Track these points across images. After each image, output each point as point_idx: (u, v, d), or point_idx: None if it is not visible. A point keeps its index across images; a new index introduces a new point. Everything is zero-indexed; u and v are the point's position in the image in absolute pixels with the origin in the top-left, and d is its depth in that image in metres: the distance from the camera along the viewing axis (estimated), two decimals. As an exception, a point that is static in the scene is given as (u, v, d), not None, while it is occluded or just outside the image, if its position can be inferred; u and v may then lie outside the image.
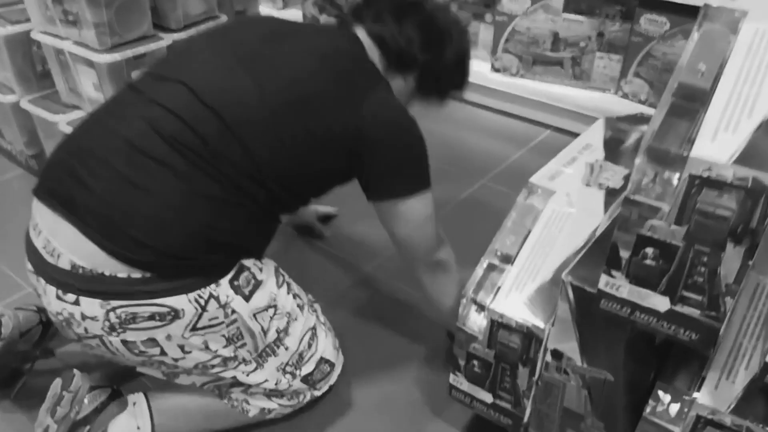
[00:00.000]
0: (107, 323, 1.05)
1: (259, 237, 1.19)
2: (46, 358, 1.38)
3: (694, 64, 0.81)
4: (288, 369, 1.23)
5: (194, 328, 1.08)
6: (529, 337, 1.05)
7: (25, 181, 2.07)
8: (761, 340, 0.92)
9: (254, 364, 1.18)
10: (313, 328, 1.27)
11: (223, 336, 1.12)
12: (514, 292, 1.08)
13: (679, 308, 0.84)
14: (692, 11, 0.95)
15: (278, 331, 1.19)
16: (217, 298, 1.08)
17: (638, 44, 2.27)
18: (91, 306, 1.04)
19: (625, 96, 2.39)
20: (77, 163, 1.08)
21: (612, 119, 1.46)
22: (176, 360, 1.12)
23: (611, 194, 1.19)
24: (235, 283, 1.10)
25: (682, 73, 0.81)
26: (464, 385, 1.17)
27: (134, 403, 1.21)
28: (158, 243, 1.03)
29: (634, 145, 1.35)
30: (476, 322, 1.10)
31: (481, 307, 1.09)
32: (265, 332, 1.16)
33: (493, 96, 2.57)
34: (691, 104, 0.78)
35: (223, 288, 1.09)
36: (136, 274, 1.03)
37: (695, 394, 0.91)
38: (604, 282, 0.88)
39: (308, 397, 1.29)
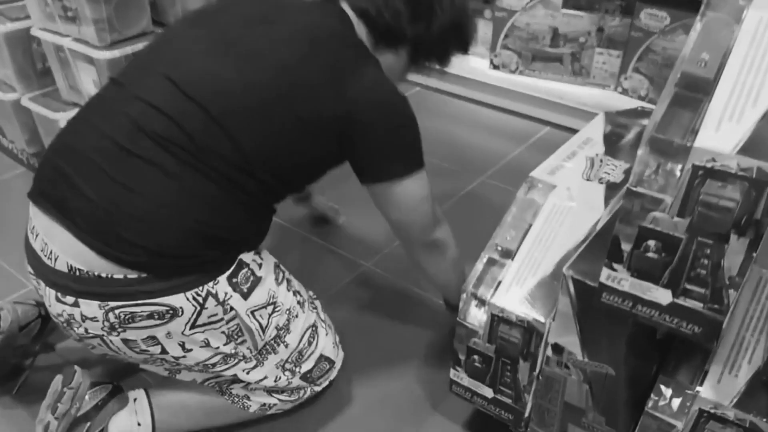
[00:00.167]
0: (107, 323, 1.04)
1: (255, 229, 1.18)
2: (46, 352, 1.38)
3: (697, 54, 0.80)
4: (287, 366, 1.22)
5: (194, 326, 1.07)
6: (530, 331, 1.04)
7: (26, 180, 2.04)
8: (764, 334, 0.92)
9: (254, 362, 1.18)
10: (314, 326, 1.26)
11: (223, 333, 1.11)
12: (515, 287, 1.08)
13: (681, 301, 0.83)
14: (693, 5, 0.94)
15: (278, 328, 1.18)
16: (215, 296, 1.07)
17: (638, 39, 2.26)
18: (90, 307, 1.04)
19: (624, 92, 2.38)
20: (67, 164, 1.07)
21: (612, 114, 1.45)
22: (177, 358, 1.11)
23: (612, 188, 1.19)
24: (234, 280, 1.10)
25: (685, 62, 0.80)
26: (465, 380, 1.17)
27: (135, 399, 1.21)
28: (152, 243, 1.02)
29: (634, 139, 1.35)
30: (477, 316, 1.10)
31: (482, 302, 1.09)
32: (263, 330, 1.15)
33: (492, 93, 2.57)
34: (694, 94, 0.77)
35: (221, 285, 1.08)
36: (133, 275, 1.02)
37: (698, 388, 0.90)
38: (605, 275, 0.87)
39: (308, 393, 1.28)
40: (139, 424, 1.18)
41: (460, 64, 2.58)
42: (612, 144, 1.32)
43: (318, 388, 1.30)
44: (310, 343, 1.24)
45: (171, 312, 1.04)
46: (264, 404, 1.24)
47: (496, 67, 2.56)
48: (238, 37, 1.11)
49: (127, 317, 1.04)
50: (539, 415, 1.13)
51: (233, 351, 1.14)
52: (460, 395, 1.20)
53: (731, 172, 0.73)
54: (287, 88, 1.08)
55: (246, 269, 1.12)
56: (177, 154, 1.03)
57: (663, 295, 0.84)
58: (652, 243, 0.81)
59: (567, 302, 0.97)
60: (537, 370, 1.08)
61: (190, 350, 1.11)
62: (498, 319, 1.07)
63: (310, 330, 1.24)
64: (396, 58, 1.23)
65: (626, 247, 0.83)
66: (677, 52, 2.12)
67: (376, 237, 1.81)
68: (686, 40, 0.83)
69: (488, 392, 1.15)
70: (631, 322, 0.92)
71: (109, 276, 1.02)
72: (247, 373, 1.18)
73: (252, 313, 1.12)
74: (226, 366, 1.15)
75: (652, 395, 0.94)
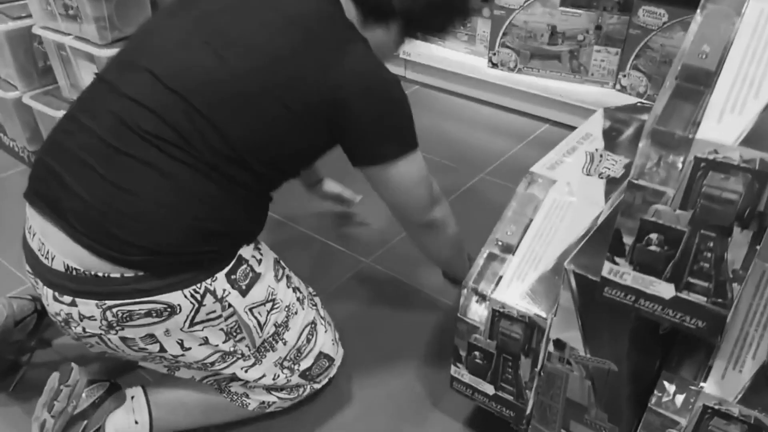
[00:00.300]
0: (105, 322, 1.04)
1: (253, 220, 1.16)
2: (43, 348, 1.37)
3: (698, 46, 0.80)
4: (286, 364, 1.21)
5: (192, 323, 1.07)
6: (531, 326, 1.04)
7: (27, 178, 2.05)
8: (768, 329, 0.91)
9: (252, 360, 1.17)
10: (313, 323, 1.25)
11: (222, 330, 1.10)
12: (516, 282, 1.07)
13: (684, 295, 0.82)
14: (690, 2, 0.93)
15: (276, 325, 1.17)
16: (213, 292, 1.06)
17: (636, 36, 2.26)
18: (88, 306, 1.03)
19: (623, 89, 2.38)
20: (58, 163, 1.06)
21: (611, 109, 1.45)
22: (176, 356, 1.11)
23: (612, 183, 1.18)
24: (232, 276, 1.09)
25: (686, 55, 0.79)
26: (466, 376, 1.16)
27: (132, 397, 1.20)
28: (147, 242, 1.01)
29: (634, 134, 1.34)
30: (477, 312, 1.09)
31: (482, 297, 1.08)
32: (261, 327, 1.15)
33: (491, 90, 2.57)
34: (695, 86, 0.77)
35: (219, 282, 1.07)
36: (130, 273, 1.02)
37: (701, 384, 0.90)
38: (607, 269, 0.86)
39: (308, 390, 1.28)
40: (136, 422, 1.17)
41: (459, 63, 2.62)
42: (611, 139, 1.32)
43: (317, 386, 1.29)
44: (308, 341, 1.23)
45: (169, 309, 1.04)
46: (263, 402, 1.24)
47: (494, 65, 2.56)
48: (219, 24, 1.08)
49: (124, 315, 1.03)
50: (541, 412, 1.12)
51: (232, 349, 1.13)
52: (461, 392, 1.20)
53: (734, 164, 0.72)
54: (271, 74, 1.05)
55: (245, 265, 1.11)
56: (166, 149, 1.01)
57: (666, 289, 0.83)
58: (654, 236, 0.80)
59: (568, 297, 0.96)
60: (538, 366, 1.07)
61: (189, 348, 1.10)
62: (499, 315, 1.06)
63: (309, 327, 1.24)
64: (386, 32, 1.19)
65: (628, 240, 0.82)
66: (675, 49, 2.13)
67: (377, 233, 1.81)
68: (686, 35, 0.82)
69: (489, 389, 1.15)
70: (634, 317, 0.92)
71: (106, 275, 1.01)
72: (246, 371, 1.17)
73: (250, 310, 1.12)
74: (225, 364, 1.15)
75: (655, 391, 0.94)
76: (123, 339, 1.06)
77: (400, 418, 1.33)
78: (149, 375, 1.33)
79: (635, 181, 0.78)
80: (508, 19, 2.45)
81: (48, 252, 1.05)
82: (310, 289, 1.33)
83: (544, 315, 1.02)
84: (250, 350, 1.16)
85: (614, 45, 2.34)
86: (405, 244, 1.76)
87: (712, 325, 0.82)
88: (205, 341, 1.10)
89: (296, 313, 1.21)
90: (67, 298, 1.04)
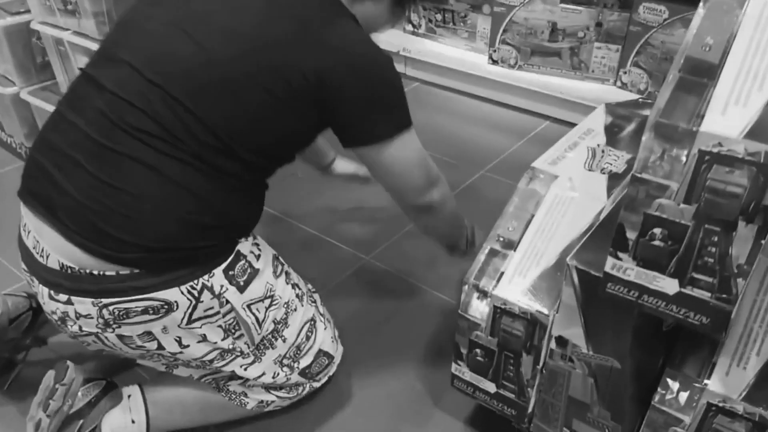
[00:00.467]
0: (101, 320, 1.03)
1: (249, 210, 1.14)
2: (38, 347, 1.36)
3: (701, 39, 0.79)
4: (285, 362, 1.20)
5: (190, 320, 1.06)
6: (533, 323, 1.03)
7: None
8: (773, 325, 0.90)
9: (252, 357, 1.16)
10: (312, 320, 1.25)
11: (220, 327, 1.09)
12: (518, 278, 1.06)
13: (688, 291, 0.81)
14: (691, -1, 0.93)
15: (276, 322, 1.16)
16: (210, 289, 1.05)
17: (637, 33, 2.27)
18: (84, 305, 1.02)
19: (624, 86, 2.38)
20: (47, 161, 1.05)
21: (612, 105, 1.44)
22: (174, 354, 1.10)
23: (614, 178, 1.17)
24: (230, 272, 1.08)
25: (689, 47, 0.78)
26: (466, 374, 1.15)
27: (129, 396, 1.19)
28: (140, 239, 1.00)
29: (635, 130, 1.33)
30: (479, 309, 1.08)
31: (484, 294, 1.07)
32: (260, 324, 1.14)
33: (492, 87, 2.57)
34: (699, 79, 0.76)
35: (216, 278, 1.06)
36: (125, 271, 1.01)
37: (705, 381, 0.89)
38: (610, 265, 0.85)
39: (307, 389, 1.27)
40: (133, 422, 1.16)
41: (459, 60, 2.61)
42: (613, 135, 1.31)
43: (317, 384, 1.28)
44: (308, 338, 1.22)
45: (166, 307, 1.03)
46: (262, 401, 1.23)
47: (495, 62, 2.56)
48: (199, 12, 1.06)
49: (121, 313, 1.02)
50: (543, 410, 1.11)
51: (231, 346, 1.12)
52: (462, 390, 1.19)
53: (738, 157, 0.71)
54: (253, 60, 1.02)
55: (243, 261, 1.10)
56: (151, 143, 1.00)
57: (670, 285, 0.82)
58: (657, 231, 0.79)
59: (571, 293, 0.95)
60: (540, 363, 1.06)
61: (187, 346, 1.09)
62: (500, 312, 1.05)
63: (308, 324, 1.23)
64: (376, 5, 1.16)
65: (631, 235, 0.81)
66: (676, 46, 2.13)
67: (377, 230, 1.80)
68: (687, 31, 0.81)
69: (491, 387, 1.14)
70: (637, 313, 0.91)
71: (101, 273, 1.00)
72: (245, 369, 1.16)
73: (248, 306, 1.11)
74: (224, 362, 1.14)
75: (658, 389, 0.93)
76: (120, 337, 1.05)
77: (400, 417, 1.32)
78: (146, 373, 1.32)
79: (639, 175, 0.77)
80: (508, 15, 2.45)
81: (43, 250, 1.04)
82: (310, 286, 1.32)
83: (546, 312, 1.01)
84: (249, 348, 1.15)
85: (615, 42, 2.34)
86: (406, 241, 1.76)
87: (717, 321, 0.81)
88: (204, 338, 1.09)
89: (295, 309, 1.20)
90: (63, 297, 1.03)
